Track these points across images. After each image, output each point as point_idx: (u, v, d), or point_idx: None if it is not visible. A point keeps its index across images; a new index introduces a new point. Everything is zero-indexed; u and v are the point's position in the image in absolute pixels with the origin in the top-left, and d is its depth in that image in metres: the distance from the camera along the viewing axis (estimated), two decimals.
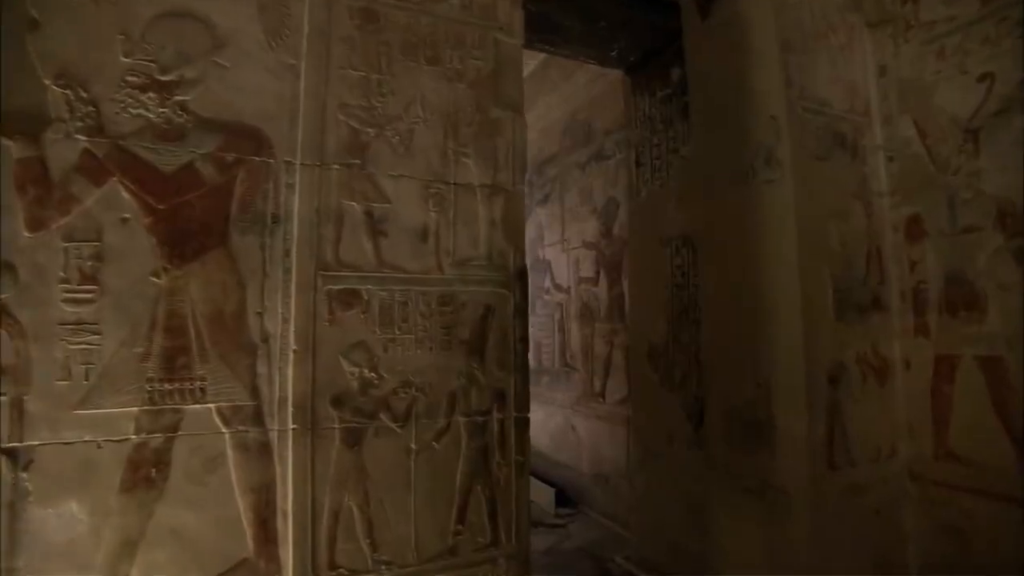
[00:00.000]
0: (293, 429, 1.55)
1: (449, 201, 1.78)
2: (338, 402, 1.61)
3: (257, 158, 1.57)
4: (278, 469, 1.53)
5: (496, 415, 1.79)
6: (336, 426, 1.60)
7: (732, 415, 2.60)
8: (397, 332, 1.69)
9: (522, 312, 1.85)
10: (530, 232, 5.65)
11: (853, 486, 2.39)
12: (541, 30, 2.95)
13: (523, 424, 1.83)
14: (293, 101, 1.63)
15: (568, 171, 5.03)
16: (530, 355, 5.64)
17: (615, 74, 3.82)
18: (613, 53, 3.48)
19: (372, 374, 1.65)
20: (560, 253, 5.10)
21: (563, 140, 5.14)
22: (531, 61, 5.66)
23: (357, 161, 1.68)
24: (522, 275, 1.85)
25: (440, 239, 1.76)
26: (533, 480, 4.86)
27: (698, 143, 2.91)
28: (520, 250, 1.86)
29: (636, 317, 3.64)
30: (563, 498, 4.58)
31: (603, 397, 4.43)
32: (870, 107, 2.72)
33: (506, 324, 1.82)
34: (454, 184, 1.79)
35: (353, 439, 1.62)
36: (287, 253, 1.58)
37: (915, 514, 2.48)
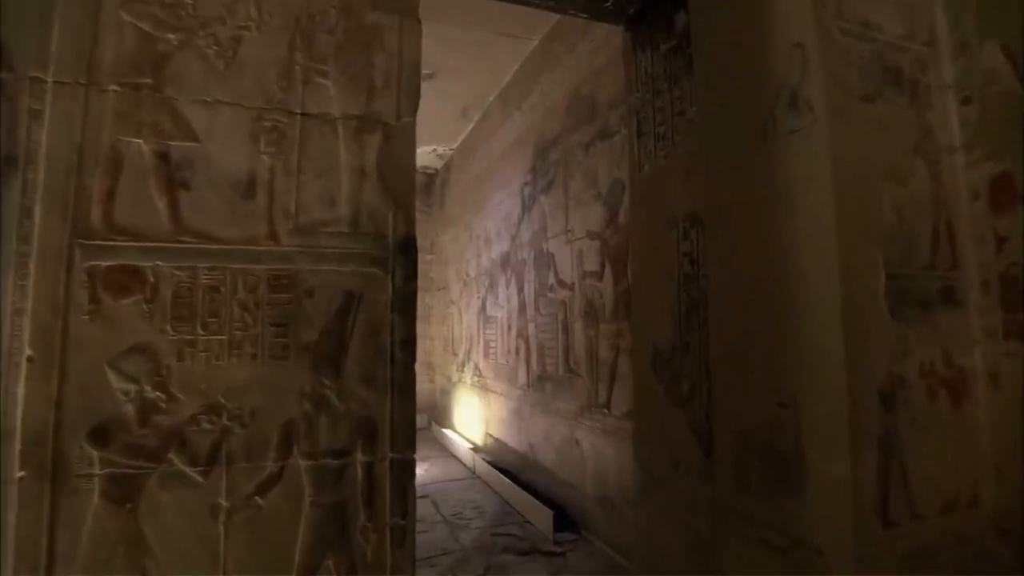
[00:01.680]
0: (20, 478, 1.02)
1: (291, 139, 1.22)
2: (101, 436, 1.08)
3: None
4: None
5: (360, 456, 1.21)
6: (96, 472, 1.07)
7: (747, 443, 2.00)
8: (201, 332, 1.14)
9: (405, 302, 1.25)
10: (534, 224, 5.14)
11: (918, 547, 1.75)
12: None
13: (403, 469, 1.24)
14: None
15: (572, 153, 4.48)
16: (533, 359, 4.88)
17: (618, 40, 3.25)
18: (607, 3, 2.92)
19: (158, 393, 1.10)
20: (564, 245, 4.52)
21: (566, 120, 4.59)
22: (533, 36, 5.13)
23: (148, 80, 1.15)
24: (406, 247, 1.25)
25: (276, 194, 1.20)
26: (532, 500, 4.35)
27: (705, 96, 2.31)
28: (406, 211, 1.27)
29: (640, 316, 3.04)
30: (564, 521, 4.03)
31: (608, 408, 3.84)
32: (936, 34, 2.05)
33: (379, 320, 1.24)
34: (301, 115, 1.22)
35: (124, 492, 1.08)
36: (27, 213, 1.07)
37: None
